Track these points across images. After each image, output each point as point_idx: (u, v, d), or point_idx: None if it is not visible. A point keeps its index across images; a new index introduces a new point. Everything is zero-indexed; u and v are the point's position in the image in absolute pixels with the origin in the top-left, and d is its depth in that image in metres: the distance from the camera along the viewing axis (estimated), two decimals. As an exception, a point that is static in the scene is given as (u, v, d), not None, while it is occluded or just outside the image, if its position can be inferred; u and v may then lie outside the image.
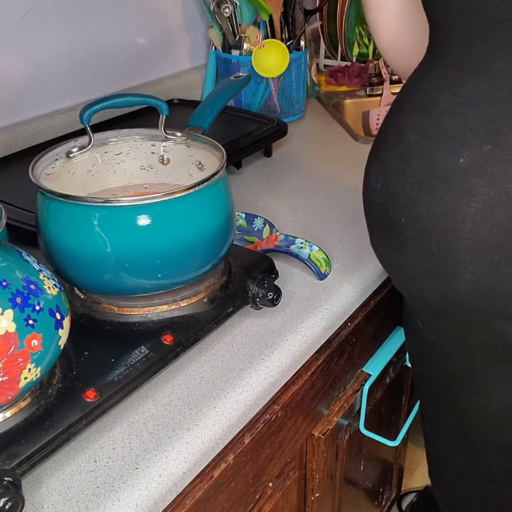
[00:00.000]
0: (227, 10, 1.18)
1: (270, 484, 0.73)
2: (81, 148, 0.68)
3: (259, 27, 1.20)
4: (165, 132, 0.69)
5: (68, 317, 0.52)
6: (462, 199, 0.55)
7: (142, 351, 0.58)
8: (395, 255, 0.64)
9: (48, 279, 0.51)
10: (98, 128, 1.05)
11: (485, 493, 0.77)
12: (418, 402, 0.91)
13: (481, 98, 0.54)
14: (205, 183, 0.60)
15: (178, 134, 0.71)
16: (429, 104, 0.58)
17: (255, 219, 0.84)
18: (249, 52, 1.19)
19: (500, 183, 0.53)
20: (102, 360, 0.57)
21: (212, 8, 1.20)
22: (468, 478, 0.78)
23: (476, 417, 0.70)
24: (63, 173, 0.67)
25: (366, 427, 0.89)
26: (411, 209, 0.59)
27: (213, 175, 0.61)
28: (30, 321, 0.47)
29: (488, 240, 0.54)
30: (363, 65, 1.52)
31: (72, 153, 0.67)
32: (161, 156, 0.71)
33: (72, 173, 0.68)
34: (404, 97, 0.62)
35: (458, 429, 0.74)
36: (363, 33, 1.51)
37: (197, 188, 0.59)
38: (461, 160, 0.54)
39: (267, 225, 0.84)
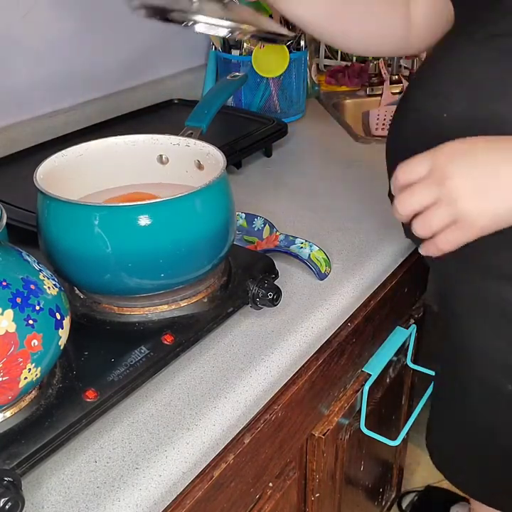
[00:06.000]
0: (227, 10, 1.18)
1: (270, 484, 0.73)
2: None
3: (259, 27, 1.20)
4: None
5: (68, 317, 0.52)
6: None
7: (142, 351, 0.58)
8: None
9: (48, 279, 0.51)
10: (99, 127, 1.06)
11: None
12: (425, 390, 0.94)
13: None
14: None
15: (178, 134, 0.71)
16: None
17: (255, 219, 0.84)
18: (249, 52, 1.19)
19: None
20: (102, 360, 0.57)
21: (212, 8, 1.20)
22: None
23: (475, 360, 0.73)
24: (65, 174, 0.67)
25: (366, 427, 0.89)
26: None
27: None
28: (30, 321, 0.47)
29: None
30: (363, 65, 1.52)
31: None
32: (160, 155, 0.72)
33: (74, 174, 0.68)
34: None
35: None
36: (363, 33, 1.51)
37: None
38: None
39: (267, 225, 0.83)
